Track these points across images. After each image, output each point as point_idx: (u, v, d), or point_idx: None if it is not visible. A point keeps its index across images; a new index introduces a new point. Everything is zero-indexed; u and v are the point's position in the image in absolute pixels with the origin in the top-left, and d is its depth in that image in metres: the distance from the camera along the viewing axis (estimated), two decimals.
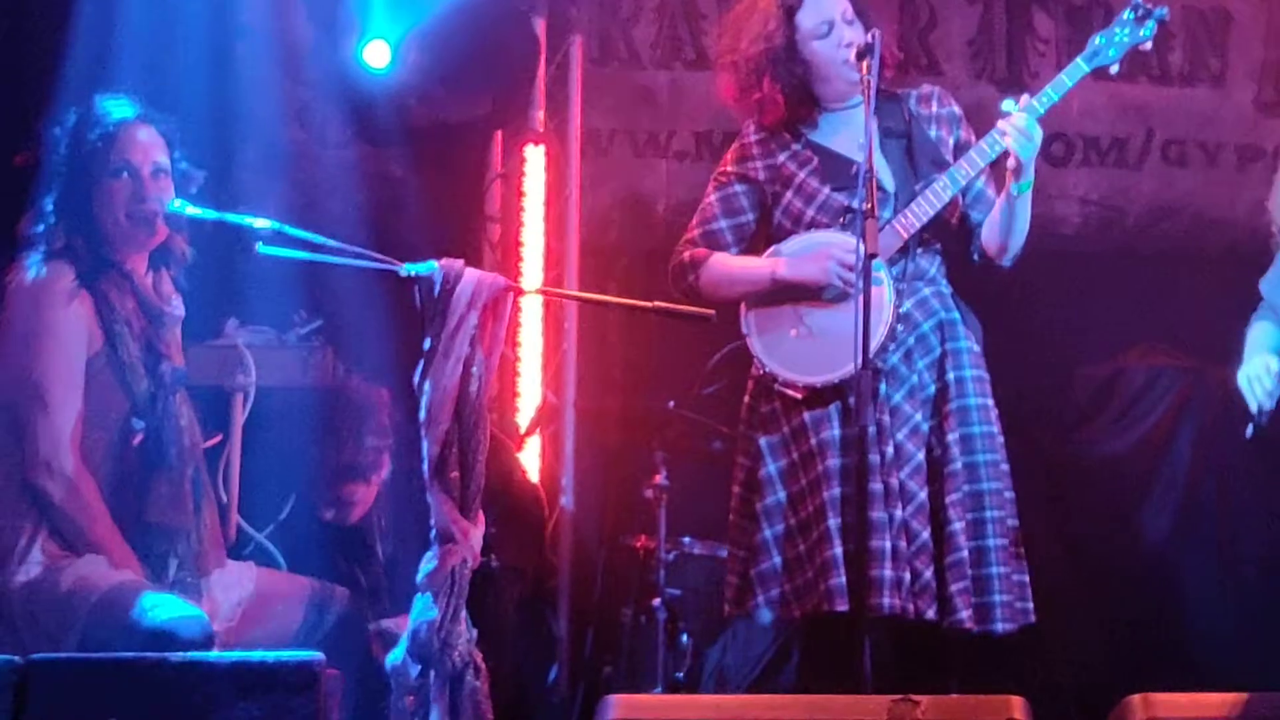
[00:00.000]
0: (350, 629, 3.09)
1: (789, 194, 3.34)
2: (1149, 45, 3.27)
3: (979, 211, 3.34)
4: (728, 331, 3.37)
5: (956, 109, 3.40)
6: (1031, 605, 3.26)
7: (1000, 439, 3.30)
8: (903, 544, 3.13)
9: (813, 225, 3.31)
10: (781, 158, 3.36)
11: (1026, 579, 3.27)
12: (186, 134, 3.08)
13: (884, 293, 3.19)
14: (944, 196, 3.23)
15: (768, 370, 3.29)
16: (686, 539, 4.41)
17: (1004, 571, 3.20)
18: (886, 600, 3.10)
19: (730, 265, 3.37)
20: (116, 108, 2.98)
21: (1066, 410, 4.98)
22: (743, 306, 3.35)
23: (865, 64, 3.10)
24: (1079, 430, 4.93)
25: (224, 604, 2.99)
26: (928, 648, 3.23)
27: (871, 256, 2.96)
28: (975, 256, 3.35)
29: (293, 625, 3.03)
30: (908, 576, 3.12)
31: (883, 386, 3.20)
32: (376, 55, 4.35)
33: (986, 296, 3.46)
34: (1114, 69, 3.26)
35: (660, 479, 4.37)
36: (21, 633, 2.79)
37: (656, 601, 4.29)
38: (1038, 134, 3.16)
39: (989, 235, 3.29)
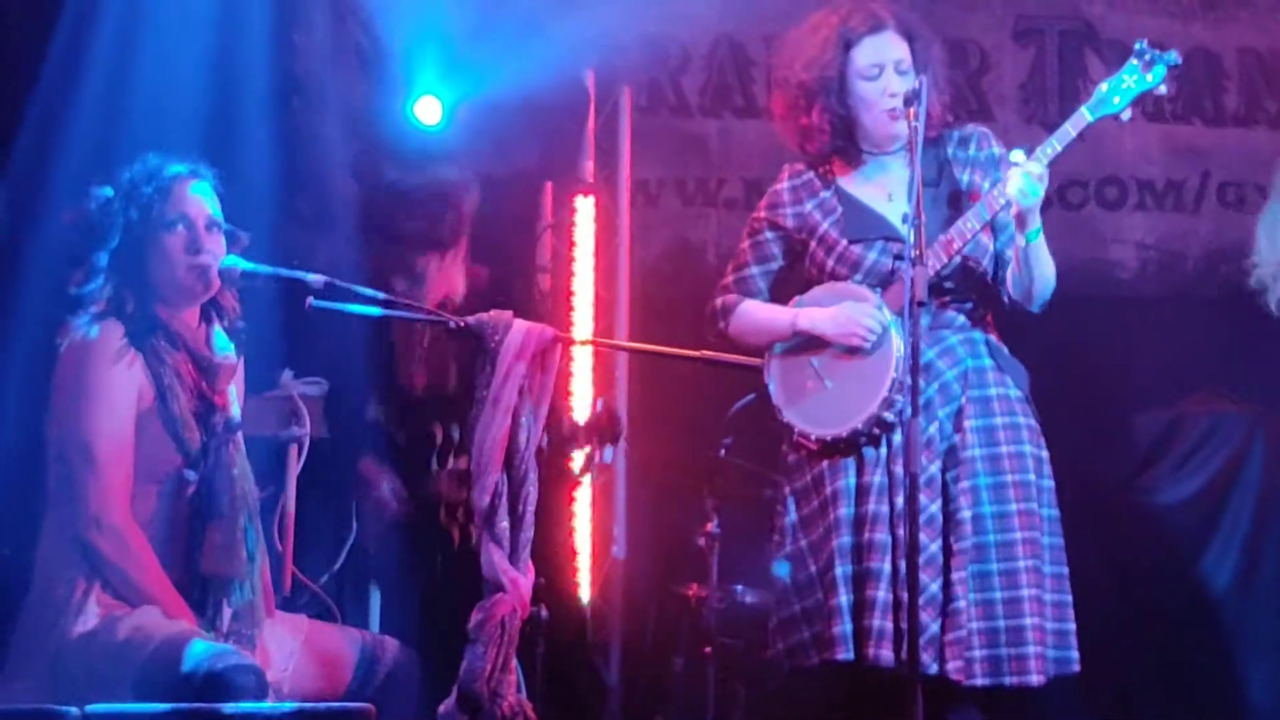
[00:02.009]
0: (401, 681, 3.08)
1: (814, 243, 3.35)
2: (1163, 89, 3.19)
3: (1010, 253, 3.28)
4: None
5: (998, 150, 3.34)
6: (1075, 654, 3.21)
7: (1042, 484, 3.24)
8: (904, 595, 3.05)
9: (833, 276, 3.31)
10: (809, 206, 3.37)
11: (1072, 627, 3.22)
12: (237, 187, 3.12)
13: (891, 349, 3.16)
14: (951, 249, 3.19)
15: (785, 420, 3.31)
16: (739, 587, 4.39)
17: (1035, 622, 3.14)
18: (884, 652, 3.08)
19: (757, 314, 3.40)
20: (169, 163, 3.02)
21: (1126, 458, 4.90)
22: (766, 355, 3.36)
23: (912, 111, 3.10)
24: (1139, 478, 4.85)
25: (277, 654, 3.00)
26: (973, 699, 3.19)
27: (920, 305, 2.95)
28: (1005, 300, 3.30)
29: (344, 676, 3.03)
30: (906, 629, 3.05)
31: (897, 437, 3.15)
32: (428, 112, 4.40)
33: (1045, 343, 3.42)
34: (1125, 115, 3.19)
35: (712, 527, 4.36)
36: (79, 683, 2.81)
37: (708, 650, 4.27)
38: (1038, 185, 3.10)
39: (1012, 282, 3.26)
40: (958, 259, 3.22)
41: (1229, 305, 5.08)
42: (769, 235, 3.41)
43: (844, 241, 3.30)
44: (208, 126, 3.85)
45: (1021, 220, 3.14)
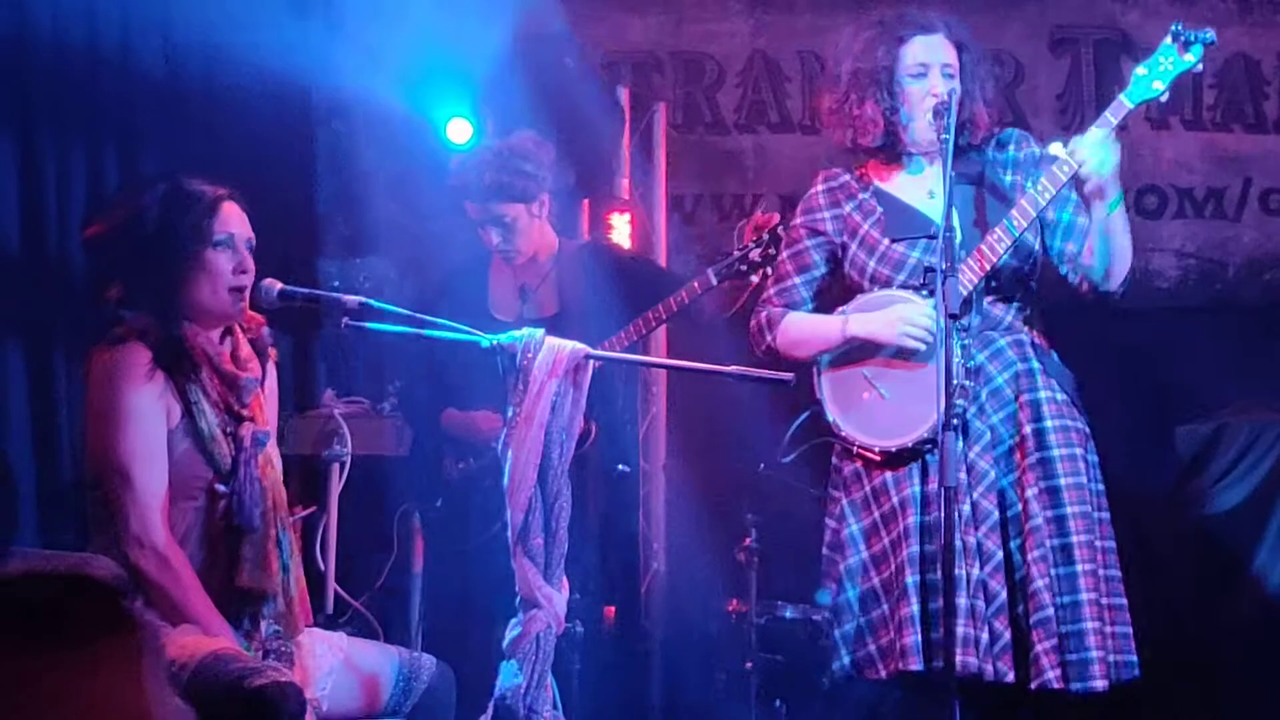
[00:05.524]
0: (439, 698, 3.10)
1: (854, 245, 3.32)
2: (1200, 68, 3.11)
3: (1075, 242, 3.23)
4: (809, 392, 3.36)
5: (1038, 150, 3.29)
6: (1135, 658, 3.17)
7: (1093, 487, 3.21)
8: (980, 603, 3.07)
9: (875, 278, 3.28)
10: (847, 208, 3.35)
11: (1128, 630, 3.18)
12: (279, 209, 3.15)
13: (950, 354, 3.13)
14: (1000, 247, 3.14)
15: (844, 434, 3.28)
16: (779, 602, 4.38)
17: (1095, 626, 3.10)
18: (964, 659, 3.03)
19: (804, 324, 3.37)
20: (208, 183, 3.03)
21: (1168, 469, 4.85)
22: (814, 371, 3.34)
23: (941, 122, 3.09)
24: (1181, 489, 4.80)
25: (315, 672, 3.02)
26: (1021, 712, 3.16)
27: (953, 318, 2.94)
28: (1082, 287, 3.24)
29: (383, 694, 3.05)
30: (986, 637, 3.06)
31: (960, 443, 3.10)
32: (460, 132, 4.44)
33: (1083, 354, 3.40)
34: (1164, 98, 3.12)
35: (751, 542, 4.36)
36: None
37: (749, 666, 4.26)
38: (1112, 150, 3.05)
39: (1093, 262, 3.19)
40: (995, 262, 3.18)
41: (1271, 313, 5.04)
42: (808, 243, 3.38)
43: (885, 241, 3.27)
44: (252, 148, 3.90)
45: (1101, 192, 3.08)
